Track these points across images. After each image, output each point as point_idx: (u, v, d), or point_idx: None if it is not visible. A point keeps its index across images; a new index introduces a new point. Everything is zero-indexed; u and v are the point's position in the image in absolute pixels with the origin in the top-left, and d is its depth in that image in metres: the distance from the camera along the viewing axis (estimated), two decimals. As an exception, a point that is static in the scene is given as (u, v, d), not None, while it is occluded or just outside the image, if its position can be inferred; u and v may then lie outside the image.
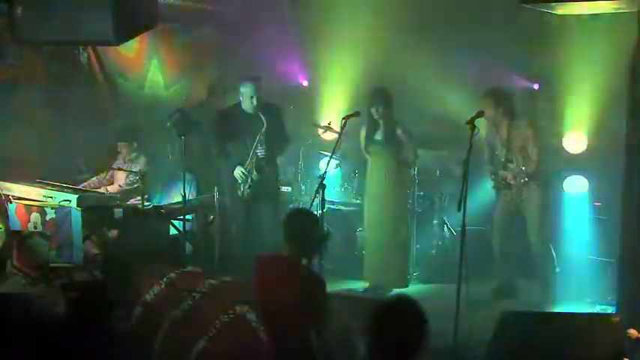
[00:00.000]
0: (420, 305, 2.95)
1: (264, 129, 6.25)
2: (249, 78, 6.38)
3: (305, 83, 8.70)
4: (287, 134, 6.62)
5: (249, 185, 6.33)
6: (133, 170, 6.95)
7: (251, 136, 6.31)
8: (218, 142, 6.53)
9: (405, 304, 2.96)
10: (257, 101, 6.27)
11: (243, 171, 6.32)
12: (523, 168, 6.20)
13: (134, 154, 7.08)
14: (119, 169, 7.03)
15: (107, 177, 7.20)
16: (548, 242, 6.43)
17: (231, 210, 6.64)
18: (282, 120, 6.53)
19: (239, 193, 6.38)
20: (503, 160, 6.36)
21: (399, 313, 2.92)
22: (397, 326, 2.88)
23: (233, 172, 6.39)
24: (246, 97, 6.29)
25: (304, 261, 4.15)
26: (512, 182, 6.29)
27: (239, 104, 6.41)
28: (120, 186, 7.01)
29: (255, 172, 6.32)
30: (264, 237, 6.38)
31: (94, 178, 7.20)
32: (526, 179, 6.19)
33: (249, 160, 6.31)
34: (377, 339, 2.87)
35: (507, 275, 6.48)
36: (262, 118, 6.23)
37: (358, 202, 7.26)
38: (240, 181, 6.35)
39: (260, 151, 6.29)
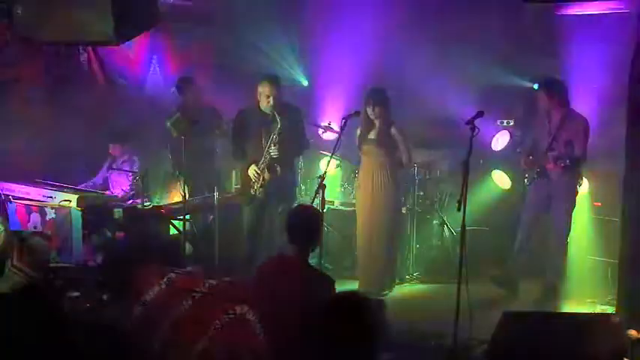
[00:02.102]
0: (368, 303, 2.91)
1: (278, 129, 6.23)
2: (267, 77, 6.32)
3: (305, 83, 8.70)
4: (305, 136, 6.57)
5: (261, 184, 6.32)
6: (133, 171, 6.96)
7: (266, 136, 6.26)
8: (234, 141, 6.51)
9: (349, 301, 2.93)
10: (274, 101, 6.22)
11: (257, 170, 6.30)
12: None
13: (126, 156, 7.09)
14: (119, 168, 7.03)
15: (102, 179, 7.21)
16: (566, 244, 6.36)
17: (242, 209, 6.61)
18: (300, 121, 6.46)
19: (252, 192, 6.36)
20: (545, 149, 6.29)
21: (341, 310, 2.88)
22: (339, 323, 2.84)
23: (247, 170, 6.38)
24: (263, 96, 6.24)
25: (309, 259, 4.14)
26: (550, 166, 6.19)
27: (257, 103, 6.38)
28: (123, 190, 7.02)
29: (267, 172, 6.30)
30: (275, 237, 6.37)
31: (90, 182, 7.20)
32: (568, 162, 6.03)
33: (262, 159, 6.30)
34: (324, 334, 2.85)
35: (516, 270, 6.45)
36: (277, 118, 6.22)
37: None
38: (253, 180, 6.34)
39: (273, 151, 6.26)
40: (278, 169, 6.31)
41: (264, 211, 6.44)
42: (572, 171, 6.20)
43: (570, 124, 6.22)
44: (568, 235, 6.31)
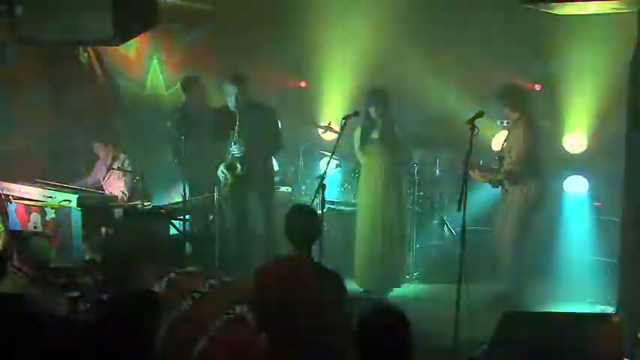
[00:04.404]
0: (405, 316, 2.93)
1: (236, 127, 6.24)
2: (231, 77, 6.37)
3: (303, 84, 8.69)
4: (279, 136, 6.53)
5: (231, 183, 6.33)
6: (127, 170, 6.94)
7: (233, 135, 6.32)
8: (213, 141, 6.54)
9: (390, 314, 2.95)
10: (236, 100, 6.26)
11: (223, 169, 6.33)
12: (503, 168, 6.10)
13: (112, 154, 7.08)
14: (118, 168, 7.02)
15: (95, 179, 7.20)
16: (516, 251, 6.22)
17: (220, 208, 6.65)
18: (270, 120, 6.45)
19: (221, 191, 6.40)
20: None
21: (382, 323, 2.90)
22: (379, 336, 2.86)
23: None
24: (229, 96, 6.32)
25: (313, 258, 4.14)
26: (476, 176, 6.22)
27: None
28: (123, 192, 7.01)
29: (228, 171, 6.30)
30: (251, 236, 6.41)
31: (82, 181, 7.20)
32: (486, 174, 6.07)
33: (227, 158, 6.32)
34: (360, 346, 2.87)
35: (507, 281, 6.41)
36: (237, 116, 6.23)
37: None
38: (222, 180, 6.37)
39: (234, 150, 6.27)
40: (238, 168, 6.29)
41: (246, 211, 6.44)
42: (519, 178, 6.14)
43: (515, 130, 6.20)
44: (520, 242, 6.19)
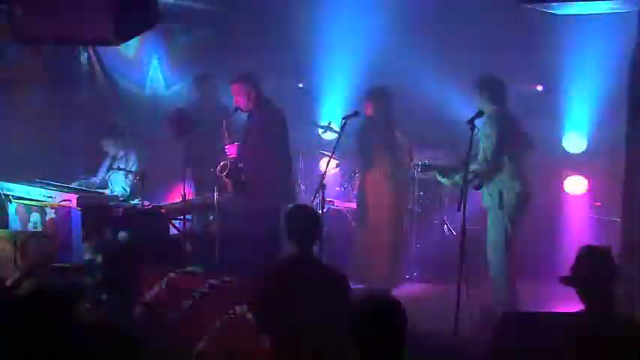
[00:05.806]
0: (402, 309, 2.92)
1: (223, 129, 6.21)
2: (231, 78, 6.31)
3: (300, 85, 8.69)
4: (279, 142, 6.16)
5: (233, 186, 6.28)
6: (130, 170, 6.94)
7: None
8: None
9: (381, 300, 2.94)
10: (235, 102, 6.22)
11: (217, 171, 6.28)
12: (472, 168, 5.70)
13: (122, 152, 7.07)
14: (119, 168, 7.03)
15: (101, 178, 7.20)
16: (505, 252, 5.90)
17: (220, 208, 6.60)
18: (268, 122, 6.17)
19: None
20: None
21: (373, 309, 2.89)
22: (370, 321, 2.85)
23: None
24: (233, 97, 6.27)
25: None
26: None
27: None
28: (124, 189, 7.01)
29: (220, 173, 6.23)
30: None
31: (89, 180, 7.19)
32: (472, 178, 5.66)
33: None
34: (357, 338, 2.87)
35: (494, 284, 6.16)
36: (224, 119, 6.20)
37: (358, 202, 7.26)
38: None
39: (226, 151, 6.19)
40: (227, 169, 6.15)
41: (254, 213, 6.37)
42: (486, 179, 5.84)
43: (486, 126, 5.76)
44: (504, 245, 5.88)
